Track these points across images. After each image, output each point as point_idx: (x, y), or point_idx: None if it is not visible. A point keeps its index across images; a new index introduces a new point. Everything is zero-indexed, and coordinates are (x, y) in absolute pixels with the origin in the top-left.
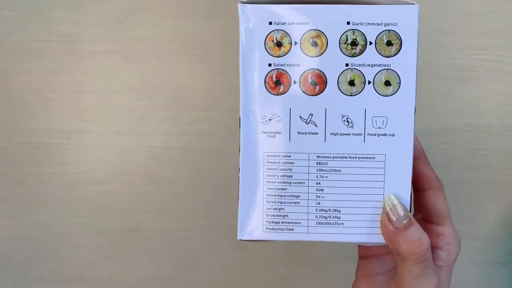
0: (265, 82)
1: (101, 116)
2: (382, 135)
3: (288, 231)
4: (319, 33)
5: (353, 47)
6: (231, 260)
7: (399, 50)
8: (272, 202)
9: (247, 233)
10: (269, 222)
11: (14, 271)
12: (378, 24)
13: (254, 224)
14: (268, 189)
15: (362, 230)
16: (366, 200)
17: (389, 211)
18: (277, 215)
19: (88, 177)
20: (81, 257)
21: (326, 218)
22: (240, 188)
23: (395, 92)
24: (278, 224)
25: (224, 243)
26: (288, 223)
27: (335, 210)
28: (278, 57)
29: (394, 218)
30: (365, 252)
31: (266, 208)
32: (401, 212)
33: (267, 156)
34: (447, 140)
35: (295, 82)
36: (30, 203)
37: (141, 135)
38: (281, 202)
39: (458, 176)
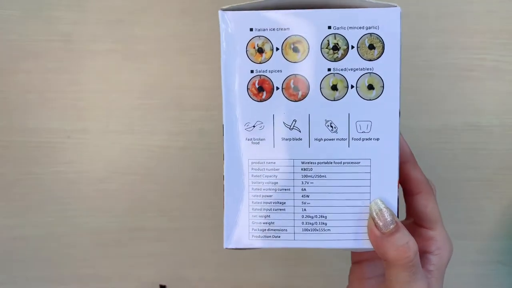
0: (247, 89)
1: (101, 115)
2: (367, 139)
3: (274, 238)
4: (300, 39)
5: (335, 52)
6: (231, 260)
7: (381, 53)
8: (258, 209)
9: (234, 242)
10: (255, 230)
11: (14, 271)
12: (360, 27)
13: (240, 232)
14: (254, 196)
15: (349, 236)
16: (353, 206)
17: (375, 216)
18: (263, 223)
19: (88, 176)
20: (81, 257)
21: (312, 224)
22: (225, 196)
23: (379, 96)
24: (264, 231)
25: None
26: (275, 230)
27: (321, 216)
28: (260, 63)
29: (381, 223)
30: (358, 257)
31: (252, 215)
32: (388, 217)
33: (252, 163)
34: (447, 139)
35: (277, 88)
36: (30, 203)
37: (142, 135)
38: (267, 210)
39: (458, 176)
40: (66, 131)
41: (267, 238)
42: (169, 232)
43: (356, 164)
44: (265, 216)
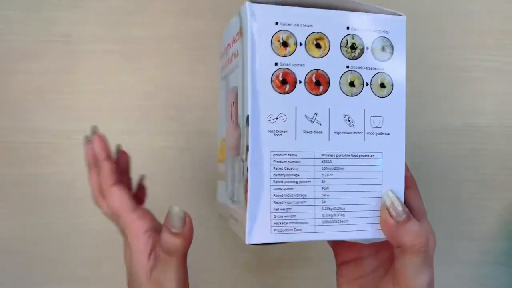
0: (271, 81)
1: (101, 116)
2: (379, 133)
3: (296, 231)
4: (322, 36)
5: (352, 51)
6: (231, 260)
7: (391, 56)
8: (280, 202)
9: (256, 237)
10: (277, 224)
11: (14, 271)
12: (374, 31)
13: (262, 227)
14: (275, 189)
15: (366, 226)
16: (367, 197)
17: (389, 206)
18: (285, 216)
19: (88, 177)
20: (81, 257)
21: (332, 216)
22: (249, 189)
23: (389, 94)
24: (286, 225)
25: (225, 243)
26: (296, 223)
27: (340, 208)
28: (284, 56)
29: (394, 213)
30: (344, 258)
31: (274, 209)
32: (399, 207)
33: (274, 155)
34: (447, 140)
35: (300, 82)
36: (30, 203)
37: (141, 135)
38: (288, 202)
39: (458, 176)
40: (66, 131)
41: (289, 232)
42: None
43: (370, 157)
44: (287, 209)
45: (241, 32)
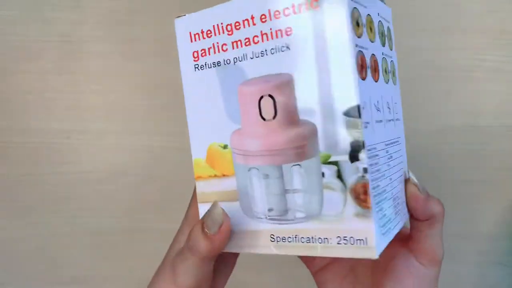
0: (357, 64)
1: (101, 116)
2: (397, 119)
3: (389, 231)
4: (371, 19)
5: (382, 37)
6: None
7: (392, 46)
8: (377, 203)
9: (380, 248)
10: (381, 227)
11: (14, 271)
12: (385, 19)
13: (379, 235)
14: (373, 188)
15: (404, 210)
16: (400, 182)
17: (417, 182)
18: (382, 217)
19: (88, 177)
20: (81, 257)
21: (395, 207)
22: (371, 194)
23: (396, 82)
24: (384, 226)
25: None
26: (387, 222)
27: (397, 197)
28: (359, 37)
29: (421, 189)
30: (320, 262)
31: (376, 211)
32: (419, 184)
33: (367, 150)
34: (447, 140)
35: (368, 67)
36: (30, 204)
37: (141, 135)
38: (380, 201)
39: (458, 176)
40: (66, 131)
41: (388, 233)
42: (169, 233)
43: (397, 143)
44: (381, 209)
45: (311, 4)
